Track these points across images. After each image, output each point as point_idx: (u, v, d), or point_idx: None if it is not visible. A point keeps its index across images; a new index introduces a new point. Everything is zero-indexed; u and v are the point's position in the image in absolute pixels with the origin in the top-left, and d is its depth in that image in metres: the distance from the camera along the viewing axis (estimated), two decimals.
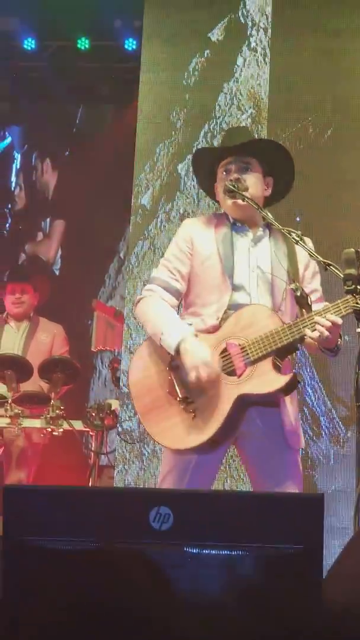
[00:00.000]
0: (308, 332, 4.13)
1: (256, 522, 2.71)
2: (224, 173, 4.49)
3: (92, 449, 6.69)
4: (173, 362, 4.27)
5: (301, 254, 4.45)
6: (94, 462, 6.60)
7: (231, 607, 2.53)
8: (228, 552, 2.69)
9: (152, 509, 2.68)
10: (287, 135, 6.37)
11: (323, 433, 6.14)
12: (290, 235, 4.30)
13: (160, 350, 4.32)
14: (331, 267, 4.13)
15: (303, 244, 4.26)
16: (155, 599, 2.47)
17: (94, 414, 6.64)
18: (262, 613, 2.39)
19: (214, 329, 4.31)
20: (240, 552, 2.69)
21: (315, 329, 4.12)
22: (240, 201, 4.40)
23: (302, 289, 4.32)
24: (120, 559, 2.36)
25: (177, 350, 4.22)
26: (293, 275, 4.39)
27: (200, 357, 4.17)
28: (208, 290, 4.40)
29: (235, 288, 4.37)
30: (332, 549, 4.62)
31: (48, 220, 10.34)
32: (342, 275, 4.01)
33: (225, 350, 4.25)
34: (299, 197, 6.19)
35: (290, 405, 4.29)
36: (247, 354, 4.21)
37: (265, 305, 4.34)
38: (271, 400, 4.24)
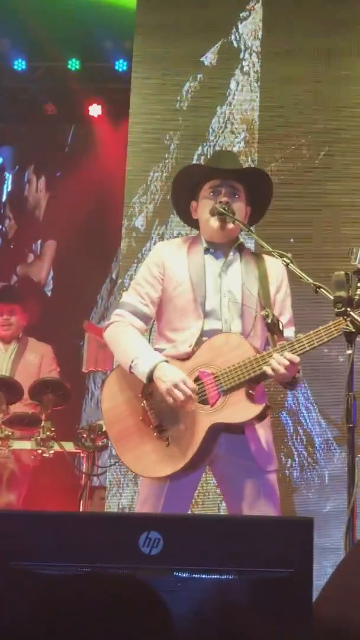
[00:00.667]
0: (268, 369, 4.14)
1: (246, 546, 2.70)
2: (211, 193, 4.48)
3: (83, 470, 6.66)
4: (146, 389, 4.27)
5: (273, 277, 4.47)
6: (85, 484, 6.57)
7: (223, 631, 2.53)
8: (218, 577, 2.68)
9: (141, 533, 2.67)
10: (280, 159, 6.39)
11: (317, 454, 6.13)
12: (282, 258, 4.30)
13: (132, 377, 4.30)
14: (321, 289, 4.13)
15: (294, 267, 4.26)
16: (146, 623, 2.46)
17: (85, 435, 6.61)
18: (253, 637, 2.39)
19: (187, 356, 4.31)
20: (230, 577, 2.68)
21: (270, 365, 4.13)
22: (230, 225, 4.41)
23: (274, 315, 4.33)
24: (110, 584, 2.36)
25: (150, 378, 4.22)
26: (264, 299, 4.40)
27: (174, 379, 4.17)
28: (180, 316, 4.40)
29: (207, 314, 4.37)
30: (324, 570, 4.61)
31: (39, 241, 10.34)
32: (332, 298, 4.02)
33: (198, 378, 4.25)
34: (290, 219, 6.22)
35: (260, 428, 4.29)
36: (220, 383, 4.21)
37: (237, 332, 4.35)
38: (240, 427, 4.25)
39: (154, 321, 4.54)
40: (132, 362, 4.27)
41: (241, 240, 4.58)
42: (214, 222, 4.43)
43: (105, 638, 2.26)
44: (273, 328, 4.30)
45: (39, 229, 10.37)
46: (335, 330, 4.08)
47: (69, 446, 6.78)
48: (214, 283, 4.43)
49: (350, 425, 3.97)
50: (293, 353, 4.14)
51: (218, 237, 4.47)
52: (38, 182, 10.39)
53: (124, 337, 4.40)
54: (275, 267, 4.49)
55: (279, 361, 4.11)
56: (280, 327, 4.31)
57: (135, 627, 2.41)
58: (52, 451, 6.78)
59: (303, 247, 6.08)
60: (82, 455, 6.71)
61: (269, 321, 4.29)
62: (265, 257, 4.55)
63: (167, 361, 4.25)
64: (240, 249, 4.55)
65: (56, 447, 6.79)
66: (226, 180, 4.48)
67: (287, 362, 4.11)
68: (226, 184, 4.48)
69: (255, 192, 4.58)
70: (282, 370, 4.10)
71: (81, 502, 6.53)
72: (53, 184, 10.37)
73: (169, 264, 4.48)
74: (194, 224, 4.63)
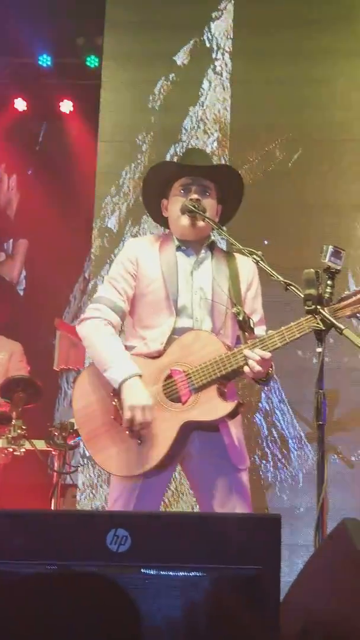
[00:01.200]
0: (245, 367, 4.16)
1: (214, 543, 2.70)
2: (182, 191, 4.48)
3: (55, 468, 6.64)
4: (117, 390, 4.26)
5: (244, 276, 4.48)
6: (56, 482, 6.54)
7: (190, 628, 2.52)
8: (186, 574, 2.68)
9: (109, 531, 2.67)
10: (253, 160, 6.39)
11: (292, 454, 6.14)
12: (252, 255, 4.30)
13: (103, 376, 4.30)
14: (291, 287, 4.14)
15: (264, 264, 4.26)
16: (114, 620, 2.46)
17: (56, 434, 6.59)
18: (221, 633, 2.38)
19: (158, 354, 4.31)
20: (198, 573, 2.68)
21: (245, 363, 4.15)
22: (201, 222, 4.41)
23: (245, 313, 4.33)
24: (77, 582, 2.35)
25: (120, 387, 4.21)
26: (235, 297, 4.40)
27: (140, 401, 4.17)
28: (152, 313, 4.40)
29: (179, 312, 4.37)
30: (296, 567, 4.63)
31: (11, 240, 10.30)
32: (302, 295, 4.02)
33: (169, 376, 4.25)
34: (264, 219, 6.22)
35: (232, 426, 4.30)
36: (192, 380, 4.21)
37: (208, 329, 4.35)
38: (214, 426, 4.25)
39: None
40: (107, 367, 4.26)
41: (213, 238, 4.58)
42: (184, 220, 4.43)
43: (72, 636, 2.25)
44: (244, 325, 4.30)
45: (10, 227, 10.32)
46: (307, 325, 4.09)
47: (41, 444, 6.76)
48: (185, 281, 4.42)
49: (320, 422, 3.97)
50: (265, 349, 4.15)
51: (189, 235, 4.47)
52: (9, 181, 10.34)
53: (101, 339, 4.38)
54: (247, 266, 4.49)
55: (251, 357, 4.11)
56: (252, 324, 4.31)
57: (103, 625, 2.41)
58: (23, 449, 6.75)
59: (276, 246, 6.07)
60: (53, 453, 6.68)
61: (240, 318, 4.29)
62: (237, 255, 4.55)
63: (140, 376, 4.24)
64: (212, 247, 4.55)
65: (27, 446, 6.76)
66: (197, 178, 4.47)
67: (258, 358, 4.12)
68: (197, 181, 4.47)
69: (226, 190, 4.58)
70: (256, 367, 4.11)
71: (53, 500, 6.50)
72: (24, 181, 10.33)
73: (142, 260, 4.47)
74: (165, 222, 4.62)
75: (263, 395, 6.08)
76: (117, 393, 4.25)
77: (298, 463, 6.11)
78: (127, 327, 4.55)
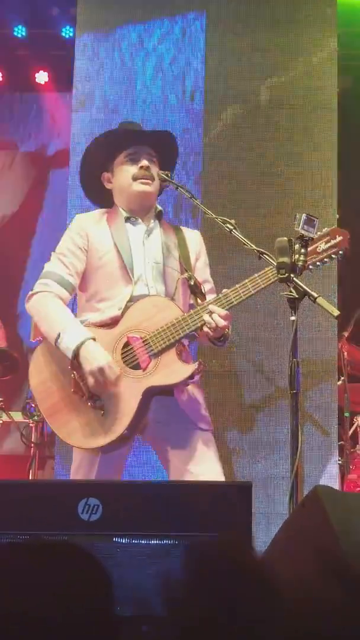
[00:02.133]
0: (206, 317, 4.16)
1: (185, 511, 2.71)
2: (129, 160, 4.50)
3: (32, 440, 6.65)
4: (74, 361, 4.23)
5: (192, 247, 4.52)
6: (33, 454, 6.56)
7: (161, 595, 2.53)
8: (158, 542, 2.69)
9: (80, 500, 2.68)
10: (221, 123, 6.36)
11: (267, 421, 6.14)
12: (225, 224, 4.30)
13: (59, 350, 4.28)
14: (264, 255, 4.15)
15: (237, 233, 4.27)
16: (86, 589, 2.46)
17: (33, 405, 6.60)
18: (193, 602, 2.39)
19: (111, 322, 4.30)
20: (169, 542, 2.69)
21: (210, 315, 4.15)
22: (148, 188, 4.44)
23: (195, 278, 4.38)
24: (48, 551, 2.35)
25: (76, 355, 4.20)
26: (185, 264, 4.43)
27: (99, 362, 4.15)
28: (107, 285, 4.39)
29: (135, 280, 4.37)
30: (272, 535, 4.63)
31: None
32: (275, 264, 4.03)
33: (127, 344, 4.25)
34: (231, 188, 6.21)
35: (189, 389, 4.30)
36: (150, 346, 4.21)
37: (161, 295, 4.35)
38: (168, 390, 4.25)
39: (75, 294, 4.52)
40: (58, 336, 4.23)
41: (160, 208, 4.60)
42: (138, 186, 4.45)
43: (44, 605, 2.24)
44: (195, 290, 4.37)
45: None
46: (262, 280, 4.14)
47: (18, 416, 6.76)
48: (138, 250, 4.44)
49: (294, 391, 3.98)
50: (229, 303, 4.17)
51: (140, 202, 4.50)
52: None
53: (49, 309, 4.36)
54: (194, 237, 4.59)
55: (216, 311, 4.13)
56: (203, 290, 4.36)
57: (75, 593, 2.41)
58: (0, 421, 6.76)
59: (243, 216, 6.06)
60: (30, 425, 6.69)
61: (192, 283, 4.35)
62: (183, 228, 4.63)
63: (93, 338, 4.23)
64: (159, 217, 4.59)
65: (4, 417, 6.77)
66: (141, 147, 4.51)
67: (224, 312, 4.15)
68: (142, 150, 4.50)
69: (164, 156, 4.62)
70: (221, 321, 4.12)
71: (30, 472, 6.52)
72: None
73: (92, 234, 4.48)
74: (99, 197, 4.65)
75: (236, 359, 6.07)
76: (75, 365, 4.22)
77: (273, 429, 6.12)
78: (79, 302, 4.53)
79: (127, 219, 4.52)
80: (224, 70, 6.42)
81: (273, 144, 6.33)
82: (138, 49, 6.50)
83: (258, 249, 4.16)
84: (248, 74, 6.41)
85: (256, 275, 4.18)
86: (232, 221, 4.31)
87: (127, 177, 4.48)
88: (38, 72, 9.42)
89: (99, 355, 4.17)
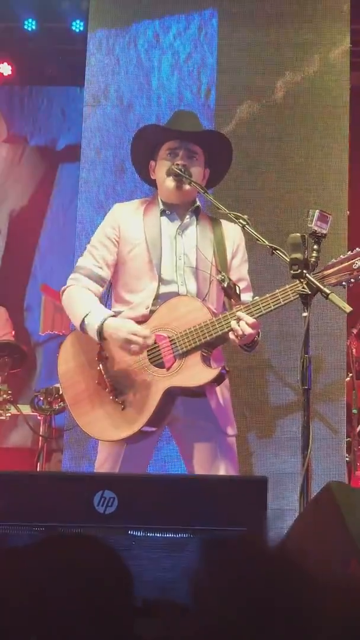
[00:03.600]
0: (233, 324, 4.15)
1: (200, 505, 2.72)
2: (169, 154, 4.47)
3: (40, 433, 6.65)
4: (102, 352, 4.27)
5: (229, 242, 4.48)
6: (41, 447, 6.56)
7: (178, 590, 2.54)
8: (172, 535, 2.70)
9: (96, 493, 2.69)
10: (235, 119, 6.36)
11: (277, 418, 6.15)
12: (238, 219, 4.30)
13: (88, 341, 4.31)
14: (277, 251, 4.14)
15: (250, 229, 4.26)
16: (104, 582, 2.47)
17: (41, 398, 6.60)
18: (206, 595, 2.40)
19: (144, 319, 4.31)
20: (184, 535, 2.70)
21: (238, 323, 4.14)
22: (187, 186, 4.40)
23: (230, 279, 4.32)
24: (64, 543, 2.36)
25: (100, 333, 4.21)
26: (220, 264, 4.40)
27: (123, 332, 4.17)
28: (135, 278, 4.40)
29: (162, 276, 4.37)
30: (281, 532, 4.64)
31: None
32: (288, 260, 4.02)
33: (154, 342, 4.25)
34: (244, 184, 6.21)
35: (219, 391, 4.31)
36: (176, 346, 4.22)
37: (193, 295, 4.35)
38: (199, 392, 4.25)
39: (110, 285, 4.53)
40: (84, 319, 4.27)
41: (198, 203, 4.58)
42: (170, 183, 4.43)
43: (59, 598, 2.25)
44: (229, 292, 4.30)
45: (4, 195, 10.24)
46: (292, 292, 4.09)
47: (26, 409, 6.77)
48: (169, 245, 4.42)
49: (306, 387, 3.98)
50: (258, 312, 4.15)
51: (174, 198, 4.47)
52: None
53: (75, 299, 4.40)
54: (233, 232, 4.50)
55: (245, 319, 4.11)
56: (237, 291, 4.31)
57: (93, 587, 2.42)
58: (9, 414, 6.76)
59: (258, 212, 6.06)
60: (38, 418, 6.69)
61: (225, 285, 4.29)
62: (223, 222, 4.55)
63: (114, 315, 4.25)
64: (197, 212, 4.55)
65: (13, 410, 6.77)
66: (184, 142, 4.47)
67: (251, 321, 4.12)
68: (184, 145, 4.46)
69: (213, 155, 4.57)
70: (247, 329, 4.11)
71: (38, 464, 6.52)
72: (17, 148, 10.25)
73: (125, 225, 4.47)
74: (154, 183, 4.62)
75: (246, 356, 6.08)
76: (102, 357, 4.25)
77: (283, 425, 6.12)
78: (112, 293, 4.55)
79: (163, 212, 4.51)
80: (238, 67, 6.42)
81: (286, 139, 6.33)
82: (154, 45, 6.50)
83: (271, 244, 4.16)
84: (262, 69, 6.41)
85: (287, 286, 4.13)
86: (245, 216, 4.30)
87: (163, 172, 4.46)
88: (48, 65, 9.41)
89: (122, 325, 4.20)
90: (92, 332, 4.24)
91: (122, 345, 4.18)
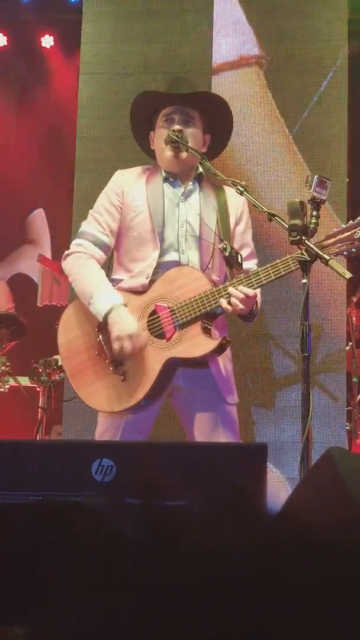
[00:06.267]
0: (223, 302, 4.11)
1: (199, 472, 2.70)
2: (165, 122, 4.42)
3: (40, 404, 6.64)
4: (102, 323, 4.25)
5: (233, 209, 4.44)
6: (41, 418, 6.55)
7: (175, 557, 2.52)
8: (171, 503, 2.67)
9: (94, 460, 2.67)
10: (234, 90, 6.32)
11: (276, 386, 6.13)
12: (235, 186, 4.26)
13: (88, 311, 4.29)
14: (276, 217, 4.10)
15: (248, 195, 4.22)
16: (99, 551, 2.45)
17: (40, 370, 6.59)
18: (209, 560, 2.38)
19: (143, 289, 4.28)
20: (183, 503, 2.67)
21: (229, 300, 4.10)
22: (184, 153, 4.35)
23: (232, 248, 4.28)
24: (62, 511, 2.33)
25: (105, 319, 4.19)
26: (223, 231, 4.36)
27: (127, 330, 4.15)
28: (137, 246, 4.36)
29: (165, 245, 4.33)
30: (279, 499, 4.63)
31: None
32: (286, 226, 3.99)
33: (154, 312, 4.23)
34: (247, 152, 6.17)
35: (221, 361, 4.28)
36: (176, 316, 4.19)
37: (194, 264, 4.31)
38: (200, 362, 4.23)
39: (112, 251, 4.50)
40: (90, 299, 4.24)
41: (200, 170, 4.52)
42: (168, 151, 4.38)
43: (56, 565, 2.23)
44: (231, 261, 4.27)
45: None
46: (292, 262, 4.05)
47: (25, 381, 6.76)
48: (172, 213, 4.38)
49: (305, 354, 3.96)
50: (249, 286, 4.11)
51: (173, 167, 4.42)
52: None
53: (84, 271, 4.37)
54: (236, 199, 4.44)
55: (234, 295, 4.08)
56: (239, 259, 4.27)
57: (90, 555, 2.40)
58: (7, 386, 6.76)
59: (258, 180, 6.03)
60: (37, 389, 6.69)
61: (227, 254, 4.25)
62: (226, 188, 4.50)
63: (125, 305, 4.21)
64: (200, 179, 4.50)
65: (12, 382, 6.76)
66: (180, 107, 4.41)
67: (242, 296, 4.08)
68: (180, 110, 4.40)
69: (213, 119, 4.51)
70: (239, 305, 4.08)
71: (38, 436, 6.52)
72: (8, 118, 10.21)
73: (128, 192, 4.43)
74: (154, 155, 4.57)
75: (244, 326, 6.06)
76: (102, 328, 4.24)
77: (282, 393, 6.11)
78: (114, 260, 4.52)
79: (166, 179, 4.46)
80: (232, 31, 6.37)
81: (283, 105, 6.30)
82: (148, 11, 6.43)
83: (269, 211, 4.12)
84: (266, 36, 6.36)
85: (287, 256, 4.09)
86: (243, 183, 4.27)
87: (161, 141, 4.41)
88: (44, 35, 9.37)
89: (128, 322, 4.17)
90: (97, 314, 4.22)
91: (119, 337, 4.15)
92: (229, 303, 4.10)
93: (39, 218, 10.11)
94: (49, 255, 9.68)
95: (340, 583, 1.22)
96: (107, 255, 4.45)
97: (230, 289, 4.10)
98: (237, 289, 4.10)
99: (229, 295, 4.10)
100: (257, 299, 4.27)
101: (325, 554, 1.24)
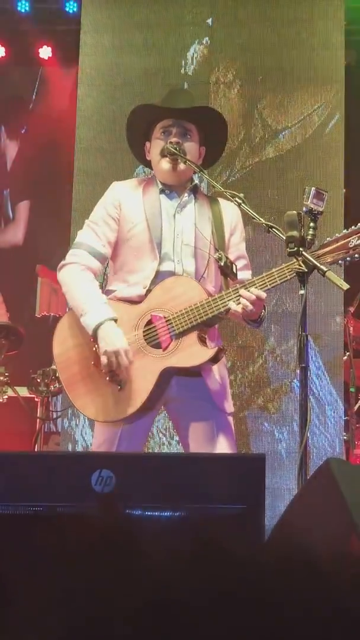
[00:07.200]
0: (233, 305, 4.12)
1: (198, 483, 2.71)
2: (162, 134, 4.44)
3: (38, 415, 6.65)
4: (93, 339, 4.25)
5: (227, 220, 4.46)
6: (39, 429, 6.57)
7: (174, 568, 2.53)
8: (170, 514, 2.69)
9: (94, 472, 2.68)
10: (233, 95, 6.35)
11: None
12: (234, 198, 4.28)
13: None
14: (273, 229, 4.12)
15: (246, 207, 4.24)
16: (98, 561, 2.46)
17: (39, 380, 6.60)
18: (206, 571, 2.39)
19: (139, 298, 4.29)
20: (182, 513, 2.69)
21: (239, 302, 4.11)
22: (182, 165, 4.37)
23: (227, 258, 4.30)
24: (61, 522, 2.34)
25: (95, 333, 4.21)
26: (218, 242, 4.38)
27: (114, 345, 4.15)
28: (135, 257, 4.37)
29: (162, 256, 4.35)
30: (278, 510, 4.65)
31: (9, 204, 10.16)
32: (284, 238, 4.01)
33: (150, 322, 4.24)
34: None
35: (216, 370, 4.29)
36: (172, 326, 4.20)
37: (190, 274, 4.33)
38: (195, 372, 4.24)
39: (107, 263, 4.52)
40: (82, 312, 4.25)
41: (196, 182, 4.55)
42: (165, 163, 4.39)
43: (54, 577, 2.24)
44: (226, 271, 4.29)
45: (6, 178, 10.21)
46: (288, 271, 4.07)
47: (23, 391, 6.77)
48: (168, 224, 4.40)
49: (303, 365, 3.97)
50: (263, 286, 4.13)
51: (170, 178, 4.44)
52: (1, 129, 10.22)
53: (77, 283, 4.36)
54: (230, 210, 4.47)
55: (246, 296, 4.08)
56: (234, 269, 4.29)
57: (91, 566, 2.41)
58: (6, 396, 6.77)
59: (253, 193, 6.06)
60: (36, 400, 6.70)
61: (222, 264, 4.27)
62: (221, 200, 4.52)
63: (115, 320, 4.22)
64: (195, 190, 4.53)
65: (10, 392, 6.78)
66: (178, 120, 4.43)
67: (253, 297, 4.09)
68: (177, 123, 4.42)
69: (208, 132, 4.54)
70: (249, 306, 4.08)
71: (36, 447, 6.53)
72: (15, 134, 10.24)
73: (125, 204, 4.44)
74: (150, 165, 4.59)
75: (244, 334, 6.07)
76: (96, 339, 4.25)
77: (280, 404, 6.13)
78: (109, 271, 4.54)
79: (162, 191, 4.48)
80: (230, 43, 6.41)
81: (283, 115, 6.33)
82: (149, 24, 6.46)
83: (267, 222, 4.14)
84: (256, 47, 6.40)
85: (283, 265, 4.11)
86: (241, 195, 4.29)
87: (157, 152, 4.42)
88: (42, 47, 9.39)
89: (115, 338, 4.18)
90: (87, 328, 4.23)
91: (108, 352, 4.15)
92: (242, 306, 4.10)
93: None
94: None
95: (334, 607, 1.23)
96: (103, 265, 4.46)
97: (242, 291, 4.10)
98: (249, 291, 4.10)
99: (239, 296, 4.11)
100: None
101: (319, 576, 1.26)
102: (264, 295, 4.13)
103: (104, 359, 4.16)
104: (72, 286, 4.38)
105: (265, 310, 4.29)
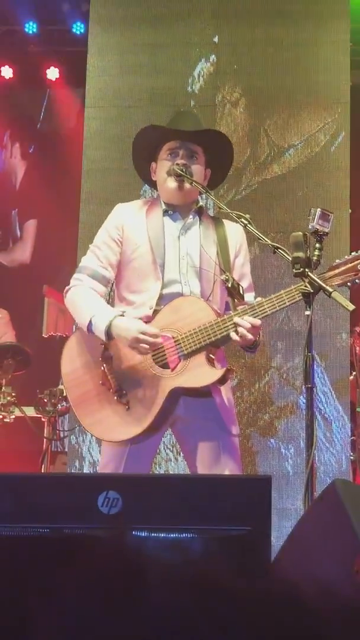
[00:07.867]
0: (233, 335, 4.13)
1: (205, 505, 2.72)
2: (169, 155, 4.46)
3: (45, 435, 6.65)
4: (105, 353, 4.26)
5: (232, 242, 4.47)
6: (46, 449, 6.57)
7: (180, 589, 2.53)
8: (177, 535, 2.69)
9: (100, 493, 2.68)
10: (239, 121, 6.37)
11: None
12: (240, 219, 4.29)
13: (91, 341, 4.30)
14: (279, 250, 4.13)
15: (252, 228, 4.26)
16: (106, 583, 2.47)
17: (45, 400, 6.61)
18: (212, 593, 2.39)
19: (147, 320, 4.30)
20: (189, 535, 2.69)
21: (237, 331, 4.13)
22: (188, 185, 4.39)
23: (234, 279, 4.31)
24: (68, 544, 2.35)
25: (109, 334, 4.21)
26: (223, 263, 4.39)
27: (134, 330, 4.15)
28: (138, 279, 4.38)
29: (166, 277, 4.36)
30: (285, 531, 4.65)
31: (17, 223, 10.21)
32: (290, 259, 4.02)
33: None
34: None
35: (224, 392, 4.30)
36: (181, 347, 4.21)
37: (197, 295, 4.34)
38: (203, 392, 4.25)
39: (113, 285, 4.53)
40: (90, 322, 4.26)
41: (201, 203, 4.57)
42: (171, 183, 4.41)
43: (62, 598, 2.24)
44: (233, 292, 4.29)
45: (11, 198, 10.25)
46: (297, 293, 4.08)
47: (30, 411, 6.77)
48: (172, 245, 4.41)
49: (309, 386, 3.98)
50: (254, 316, 4.14)
51: (176, 199, 4.45)
52: (16, 146, 10.27)
53: (81, 298, 4.39)
54: (235, 232, 4.48)
55: (242, 325, 4.10)
56: (241, 291, 4.30)
57: (98, 587, 2.41)
58: (13, 416, 6.77)
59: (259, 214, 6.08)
60: (43, 420, 6.70)
61: (229, 285, 4.27)
62: (225, 222, 4.54)
63: (122, 315, 4.24)
64: (200, 212, 4.54)
65: (17, 412, 6.78)
66: (184, 142, 4.45)
67: (249, 326, 4.10)
68: (184, 145, 4.44)
69: (214, 155, 4.56)
70: (247, 335, 4.10)
71: (42, 467, 6.53)
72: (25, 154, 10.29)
73: (128, 226, 4.45)
74: (155, 185, 4.61)
75: (246, 357, 6.07)
76: (105, 357, 4.25)
77: (286, 425, 6.13)
78: (114, 294, 4.55)
79: (166, 212, 4.49)
80: (235, 63, 6.44)
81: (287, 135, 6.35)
82: (154, 43, 6.50)
83: (273, 243, 4.15)
84: (262, 67, 6.43)
85: (292, 287, 4.12)
86: (247, 216, 4.30)
87: (163, 173, 4.44)
88: (49, 68, 9.44)
89: (129, 326, 4.17)
90: (100, 333, 4.22)
91: (130, 344, 4.16)
92: (238, 334, 4.12)
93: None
94: None
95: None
96: (107, 287, 4.47)
97: (237, 319, 4.12)
98: (243, 319, 4.12)
99: (235, 325, 4.12)
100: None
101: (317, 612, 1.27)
102: (258, 322, 4.14)
103: (135, 349, 4.16)
104: (77, 302, 4.40)
105: (260, 336, 4.30)
